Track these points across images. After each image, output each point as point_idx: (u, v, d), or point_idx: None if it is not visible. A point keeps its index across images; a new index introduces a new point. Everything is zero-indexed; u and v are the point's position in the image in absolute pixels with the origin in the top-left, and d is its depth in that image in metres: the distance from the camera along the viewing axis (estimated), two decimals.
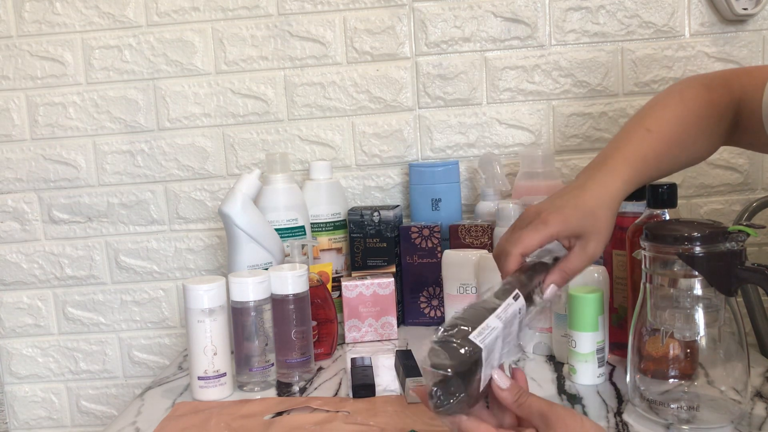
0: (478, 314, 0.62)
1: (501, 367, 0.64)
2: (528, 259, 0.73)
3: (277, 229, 1.11)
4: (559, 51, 1.30)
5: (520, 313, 0.66)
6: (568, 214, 0.72)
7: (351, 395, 0.89)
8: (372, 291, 1.10)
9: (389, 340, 1.11)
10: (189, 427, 0.82)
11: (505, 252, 0.72)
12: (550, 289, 0.71)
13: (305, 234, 1.15)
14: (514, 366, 0.65)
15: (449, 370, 0.57)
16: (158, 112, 1.35)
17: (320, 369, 1.01)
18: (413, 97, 1.32)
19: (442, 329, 0.61)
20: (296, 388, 0.94)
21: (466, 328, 0.60)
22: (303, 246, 1.03)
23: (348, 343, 1.11)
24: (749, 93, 0.81)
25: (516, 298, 0.66)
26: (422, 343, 1.09)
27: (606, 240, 0.74)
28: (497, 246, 0.74)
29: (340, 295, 1.11)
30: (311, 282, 1.01)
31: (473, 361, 0.59)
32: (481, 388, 0.60)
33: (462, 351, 0.58)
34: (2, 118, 1.37)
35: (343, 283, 1.10)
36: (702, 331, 0.75)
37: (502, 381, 0.61)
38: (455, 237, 1.16)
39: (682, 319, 0.74)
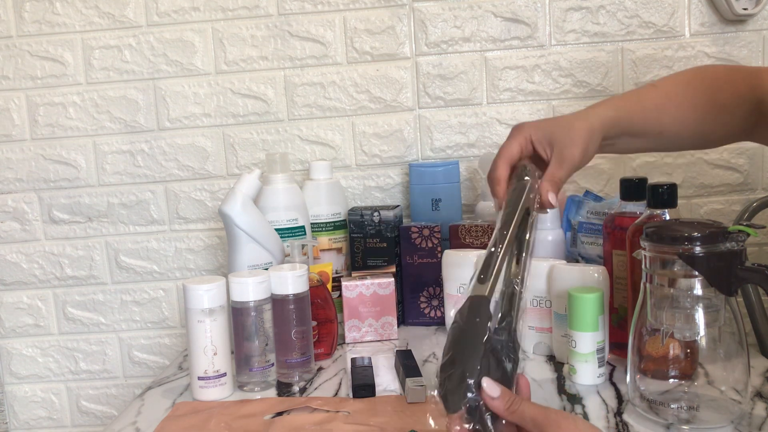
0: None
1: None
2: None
3: (277, 229, 1.11)
4: (559, 51, 1.30)
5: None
6: (544, 123, 0.79)
7: (351, 395, 0.89)
8: (372, 291, 1.10)
9: (389, 340, 1.11)
10: (189, 427, 0.82)
11: (492, 165, 0.77)
12: (551, 196, 0.74)
13: (305, 234, 1.15)
14: (519, 372, 0.63)
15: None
16: (158, 112, 1.35)
17: (320, 369, 1.01)
18: (413, 97, 1.32)
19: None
20: (296, 388, 0.94)
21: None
22: (303, 246, 1.03)
23: (348, 343, 1.11)
24: None
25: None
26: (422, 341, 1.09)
27: (584, 149, 0.77)
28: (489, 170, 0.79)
29: (340, 295, 1.11)
30: (311, 282, 1.01)
31: None
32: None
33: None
34: (2, 118, 1.37)
35: (343, 283, 1.10)
36: (702, 331, 0.75)
37: (492, 390, 0.58)
38: (455, 237, 1.16)
39: (682, 319, 0.74)
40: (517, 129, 0.79)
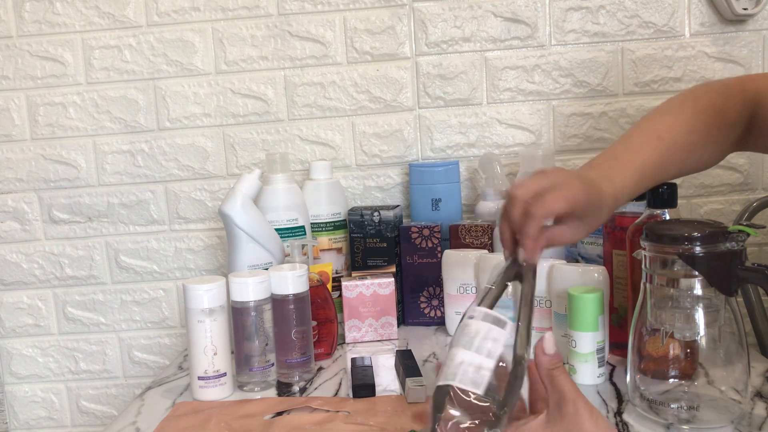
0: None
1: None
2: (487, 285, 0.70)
3: (277, 229, 1.11)
4: (559, 51, 1.30)
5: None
6: (591, 192, 0.72)
7: (351, 395, 0.89)
8: (372, 291, 1.10)
9: (389, 340, 1.11)
10: (189, 427, 0.82)
11: (530, 215, 0.68)
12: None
13: (305, 234, 1.15)
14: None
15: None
16: (158, 112, 1.35)
17: (320, 369, 1.01)
18: (413, 97, 1.32)
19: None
20: (296, 388, 0.94)
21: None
22: (303, 246, 1.03)
23: (348, 343, 1.11)
24: (766, 94, 0.81)
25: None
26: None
27: (607, 218, 0.78)
28: (517, 199, 0.70)
29: (340, 295, 1.11)
30: (311, 282, 1.01)
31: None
32: None
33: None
34: (2, 118, 1.37)
35: (343, 283, 1.10)
36: (702, 331, 0.75)
37: (549, 345, 0.59)
38: (455, 237, 1.16)
39: (682, 319, 0.74)
40: (569, 188, 0.71)
